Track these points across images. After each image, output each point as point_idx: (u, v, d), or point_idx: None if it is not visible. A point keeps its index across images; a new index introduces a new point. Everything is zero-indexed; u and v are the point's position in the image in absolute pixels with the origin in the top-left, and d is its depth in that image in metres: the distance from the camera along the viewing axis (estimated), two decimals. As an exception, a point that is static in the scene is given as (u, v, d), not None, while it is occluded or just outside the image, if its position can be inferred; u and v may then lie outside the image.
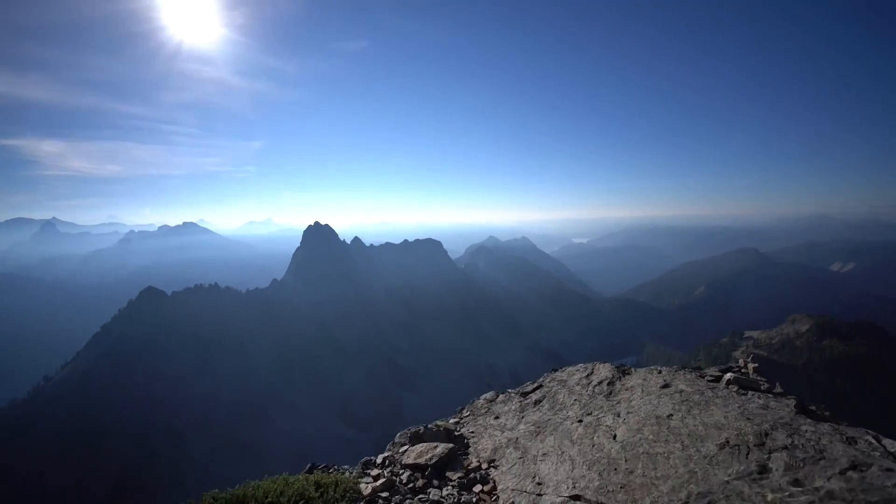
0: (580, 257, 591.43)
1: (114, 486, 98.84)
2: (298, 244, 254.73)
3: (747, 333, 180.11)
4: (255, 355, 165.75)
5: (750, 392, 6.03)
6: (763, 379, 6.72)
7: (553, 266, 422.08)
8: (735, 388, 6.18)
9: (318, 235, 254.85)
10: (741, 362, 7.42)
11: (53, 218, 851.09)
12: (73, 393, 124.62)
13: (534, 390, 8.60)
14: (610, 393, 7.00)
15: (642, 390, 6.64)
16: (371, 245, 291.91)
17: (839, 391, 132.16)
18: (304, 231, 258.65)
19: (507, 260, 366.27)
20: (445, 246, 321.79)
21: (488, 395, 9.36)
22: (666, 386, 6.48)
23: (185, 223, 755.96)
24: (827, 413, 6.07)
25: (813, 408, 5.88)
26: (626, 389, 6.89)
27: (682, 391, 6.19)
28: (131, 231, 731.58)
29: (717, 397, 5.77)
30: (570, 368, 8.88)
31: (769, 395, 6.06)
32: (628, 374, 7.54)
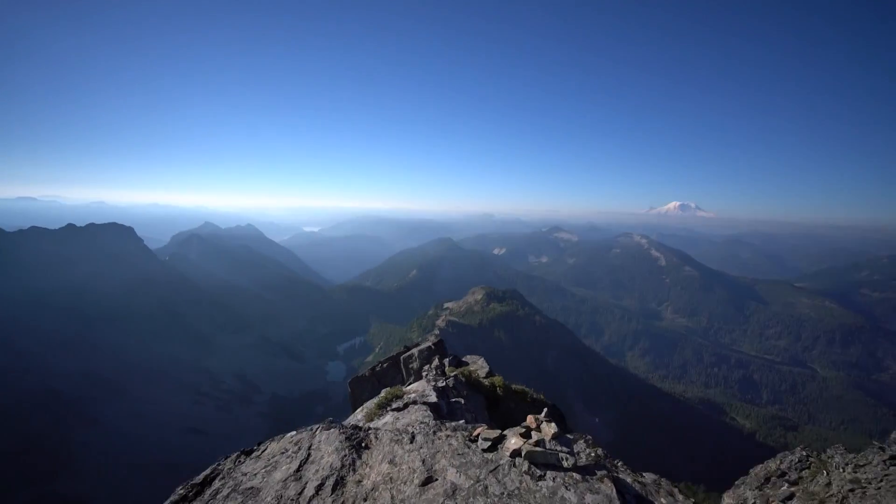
0: (311, 246, 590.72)
1: None
2: None
3: (446, 304, 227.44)
4: None
5: (549, 473, 4.35)
6: (564, 449, 4.67)
7: (283, 255, 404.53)
8: (526, 468, 4.44)
9: None
10: (530, 420, 5.25)
11: None
12: None
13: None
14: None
15: (391, 493, 4.06)
16: (1, 231, 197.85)
17: (496, 339, 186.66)
18: None
19: (227, 249, 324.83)
20: (141, 233, 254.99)
21: None
22: (429, 480, 4.16)
23: None
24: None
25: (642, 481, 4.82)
26: (365, 491, 4.20)
27: (454, 487, 4.03)
28: None
29: (507, 494, 3.90)
30: (270, 446, 5.57)
31: (576, 474, 4.40)
32: (367, 448, 4.89)
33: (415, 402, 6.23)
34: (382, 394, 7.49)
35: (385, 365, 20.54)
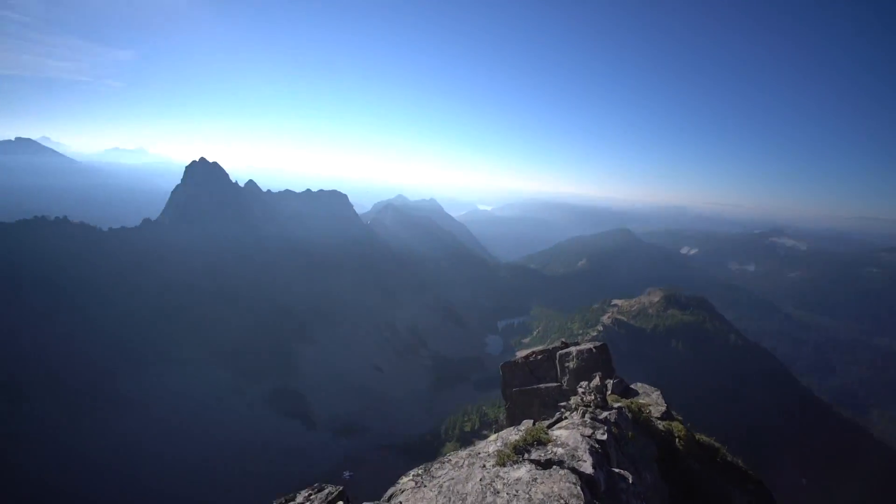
0: (483, 223, 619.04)
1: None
2: (179, 181, 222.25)
3: (614, 301, 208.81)
4: (124, 301, 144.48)
5: None
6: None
7: (457, 229, 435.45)
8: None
9: (205, 174, 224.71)
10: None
11: None
12: None
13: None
14: None
15: None
16: (269, 191, 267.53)
17: (673, 350, 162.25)
18: (188, 167, 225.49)
19: (413, 219, 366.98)
20: (352, 200, 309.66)
21: None
22: None
23: (18, 139, 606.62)
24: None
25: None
26: None
27: None
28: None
29: None
30: None
31: None
32: None
33: (561, 464, 4.77)
34: (524, 430, 6.18)
35: (539, 357, 19.38)
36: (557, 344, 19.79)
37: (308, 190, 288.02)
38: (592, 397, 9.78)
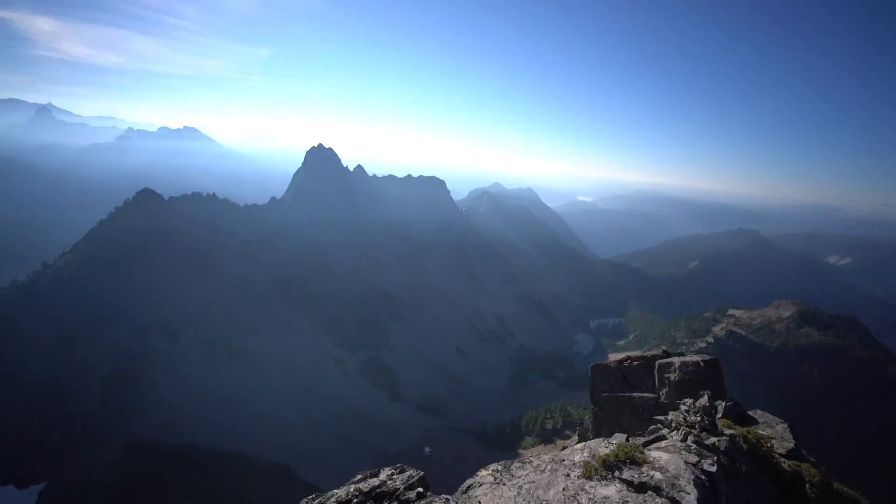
0: (582, 215, 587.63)
1: (109, 376, 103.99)
2: (300, 165, 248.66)
3: (731, 311, 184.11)
4: (250, 269, 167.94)
5: None
6: None
7: (554, 220, 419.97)
8: None
9: (321, 158, 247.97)
10: None
11: (49, 103, 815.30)
12: (72, 281, 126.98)
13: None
14: None
15: None
16: (374, 175, 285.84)
17: (804, 375, 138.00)
18: (307, 152, 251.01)
19: (509, 208, 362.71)
20: (449, 186, 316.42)
21: None
22: None
23: (185, 127, 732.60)
24: None
25: None
26: None
27: None
28: (130, 128, 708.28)
29: None
30: None
31: None
32: None
33: (658, 491, 4.17)
34: (615, 444, 5.59)
35: (635, 363, 17.85)
36: (657, 352, 18.00)
37: (409, 175, 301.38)
38: (698, 418, 8.60)
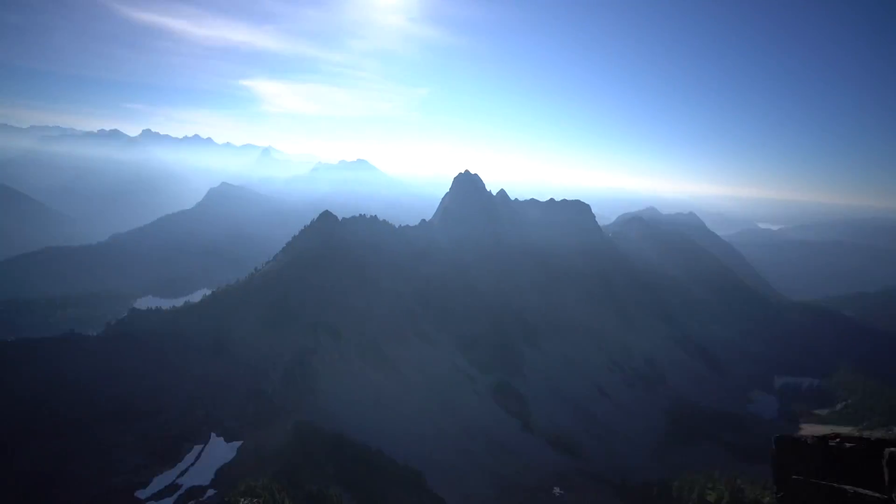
0: (765, 247, 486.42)
1: (290, 362, 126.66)
2: (448, 189, 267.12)
3: None
4: (400, 283, 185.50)
5: None
6: None
7: (724, 251, 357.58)
8: None
9: (467, 183, 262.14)
10: None
11: (270, 146, 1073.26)
12: (273, 282, 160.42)
13: None
14: None
15: None
16: (516, 199, 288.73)
17: None
18: (455, 178, 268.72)
19: (664, 236, 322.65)
20: (596, 211, 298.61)
21: None
22: None
23: (359, 160, 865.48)
24: None
25: None
26: None
27: None
28: (319, 162, 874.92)
29: None
30: None
31: None
32: None
33: None
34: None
35: (849, 445, 13.53)
36: (885, 434, 13.31)
37: (551, 199, 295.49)
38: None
